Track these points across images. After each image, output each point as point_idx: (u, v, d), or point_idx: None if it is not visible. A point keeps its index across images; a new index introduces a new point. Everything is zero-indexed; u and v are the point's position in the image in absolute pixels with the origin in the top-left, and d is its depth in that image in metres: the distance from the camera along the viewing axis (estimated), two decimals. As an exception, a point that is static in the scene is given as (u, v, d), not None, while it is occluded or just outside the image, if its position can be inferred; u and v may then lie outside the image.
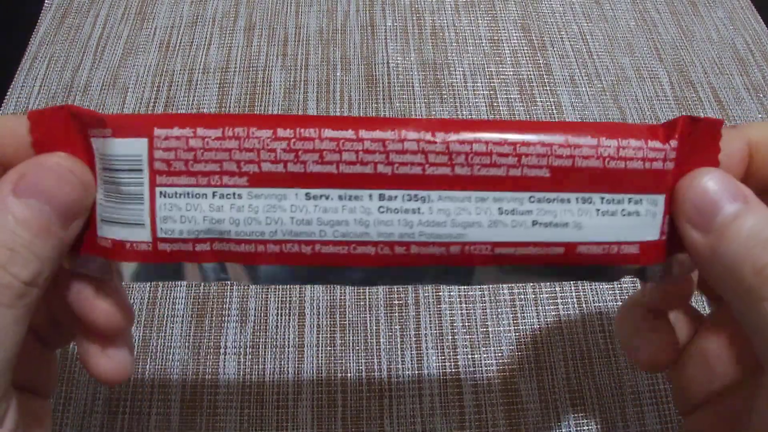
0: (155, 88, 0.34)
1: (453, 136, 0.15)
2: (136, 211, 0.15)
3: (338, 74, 0.35)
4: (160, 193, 0.15)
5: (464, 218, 0.15)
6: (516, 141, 0.15)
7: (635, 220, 0.16)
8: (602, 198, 0.16)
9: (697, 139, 0.16)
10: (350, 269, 0.16)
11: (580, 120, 0.34)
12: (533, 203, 0.15)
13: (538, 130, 0.15)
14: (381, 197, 0.15)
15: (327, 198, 0.15)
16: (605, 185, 0.16)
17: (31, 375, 0.18)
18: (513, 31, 0.38)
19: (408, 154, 0.15)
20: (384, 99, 0.34)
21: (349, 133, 0.15)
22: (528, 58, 0.36)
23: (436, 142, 0.15)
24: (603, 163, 0.15)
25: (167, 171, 0.15)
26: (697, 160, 0.16)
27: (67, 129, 0.15)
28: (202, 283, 0.28)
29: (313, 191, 0.15)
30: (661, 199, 0.16)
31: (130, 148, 0.15)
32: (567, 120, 0.34)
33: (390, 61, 0.36)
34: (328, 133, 0.15)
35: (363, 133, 0.15)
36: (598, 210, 0.15)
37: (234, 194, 0.15)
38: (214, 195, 0.15)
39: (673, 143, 0.16)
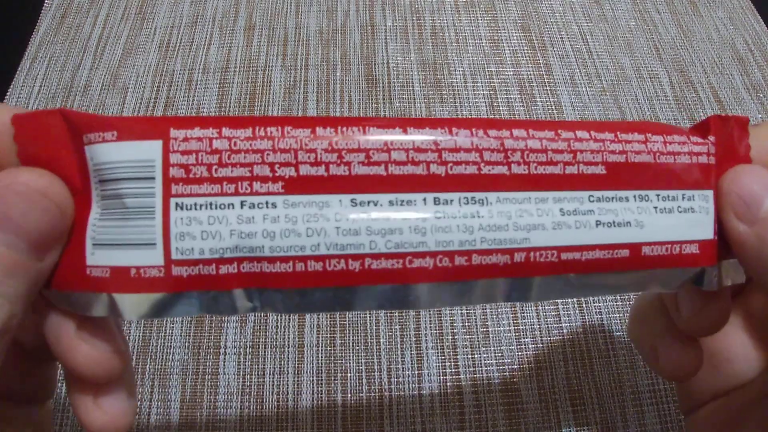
0: (155, 88, 0.34)
1: (506, 132, 0.14)
2: (146, 229, 0.13)
3: (338, 74, 0.35)
4: (176, 205, 0.13)
5: (526, 221, 0.14)
6: (569, 136, 0.15)
7: (692, 218, 0.15)
8: (658, 195, 0.15)
9: (729, 137, 0.16)
10: (405, 289, 0.14)
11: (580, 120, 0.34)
12: (593, 203, 0.15)
13: (585, 126, 0.15)
14: (436, 201, 0.14)
15: (376, 204, 0.13)
16: (660, 181, 0.15)
17: (21, 388, 0.16)
18: (513, 31, 0.38)
19: (462, 152, 0.14)
20: (384, 99, 0.34)
21: (397, 131, 0.14)
22: (528, 58, 0.36)
23: (490, 139, 0.14)
24: (654, 158, 0.15)
25: (185, 178, 0.13)
26: (731, 156, 0.16)
27: (58, 137, 0.13)
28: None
29: (360, 197, 0.13)
30: (710, 194, 0.15)
31: (140, 152, 0.13)
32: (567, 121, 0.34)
33: (390, 61, 0.36)
34: (374, 131, 0.14)
35: (412, 131, 0.14)
36: (656, 207, 0.15)
37: (267, 203, 0.13)
38: (242, 205, 0.13)
39: (712, 138, 0.16)
